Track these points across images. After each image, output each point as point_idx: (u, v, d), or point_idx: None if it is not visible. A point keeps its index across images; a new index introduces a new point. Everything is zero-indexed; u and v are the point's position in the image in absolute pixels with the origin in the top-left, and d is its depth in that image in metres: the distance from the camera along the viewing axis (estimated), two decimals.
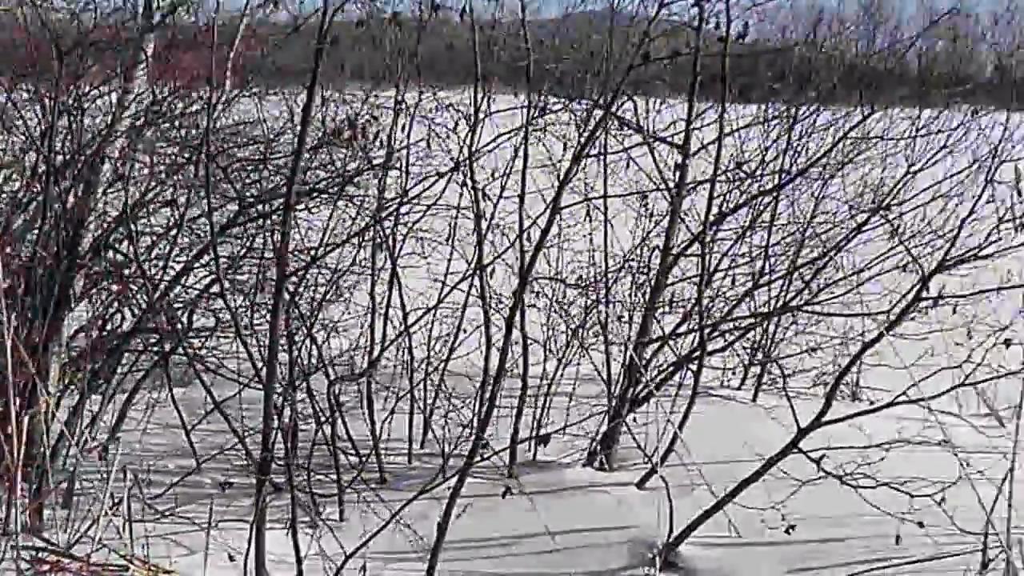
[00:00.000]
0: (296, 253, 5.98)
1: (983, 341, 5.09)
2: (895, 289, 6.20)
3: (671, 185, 6.36)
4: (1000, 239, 5.16)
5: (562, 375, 6.94)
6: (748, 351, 8.11)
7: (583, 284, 6.79)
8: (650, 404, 6.50)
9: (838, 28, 8.12)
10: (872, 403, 6.39)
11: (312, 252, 5.94)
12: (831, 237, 6.95)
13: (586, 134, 5.56)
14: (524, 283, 5.17)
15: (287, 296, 5.60)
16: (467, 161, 6.14)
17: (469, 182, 6.39)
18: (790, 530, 5.19)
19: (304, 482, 5.71)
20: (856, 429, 5.43)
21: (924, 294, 5.27)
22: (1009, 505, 4.58)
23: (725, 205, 6.58)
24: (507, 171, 6.55)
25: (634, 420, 6.55)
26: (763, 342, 8.08)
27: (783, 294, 7.27)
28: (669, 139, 6.38)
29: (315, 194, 6.24)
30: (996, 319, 6.07)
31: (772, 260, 7.08)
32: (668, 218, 6.41)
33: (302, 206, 6.20)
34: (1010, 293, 5.77)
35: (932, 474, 5.09)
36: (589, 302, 6.77)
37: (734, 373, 8.39)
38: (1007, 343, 5.08)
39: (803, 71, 6.90)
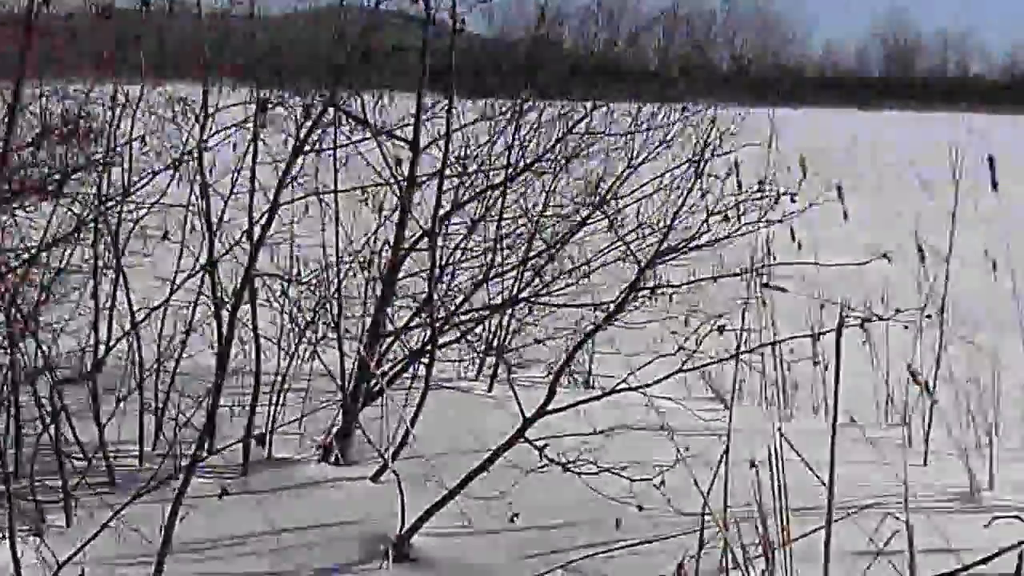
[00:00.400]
0: (10, 252, 5.80)
1: (697, 328, 5.27)
2: (625, 280, 6.38)
3: (400, 180, 6.40)
4: (710, 230, 5.38)
5: (294, 372, 6.91)
6: (483, 343, 8.21)
7: (309, 280, 6.78)
8: (385, 398, 6.53)
9: (575, 22, 8.25)
10: (603, 390, 6.55)
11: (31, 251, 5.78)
12: (560, 231, 7.10)
13: (308, 130, 5.54)
14: (247, 280, 5.13)
15: (8, 297, 5.43)
16: (192, 156, 6.05)
17: (197, 178, 6.31)
18: (514, 518, 5.30)
19: (25, 489, 5.55)
20: (582, 417, 5.58)
21: (641, 285, 5.43)
22: (725, 486, 4.78)
23: (455, 200, 6.65)
24: (238, 168, 6.49)
25: (370, 415, 6.57)
26: (498, 333, 8.19)
27: (516, 286, 7.37)
28: (398, 133, 6.41)
29: (31, 191, 6.07)
30: (727, 308, 6.33)
31: (503, 253, 7.17)
32: (398, 213, 6.43)
33: (16, 204, 6.02)
34: (726, 281, 6.02)
35: (652, 458, 5.26)
36: (320, 298, 6.75)
37: (473, 364, 8.50)
38: (721, 329, 5.28)
39: (530, 65, 7.00)
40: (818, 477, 4.52)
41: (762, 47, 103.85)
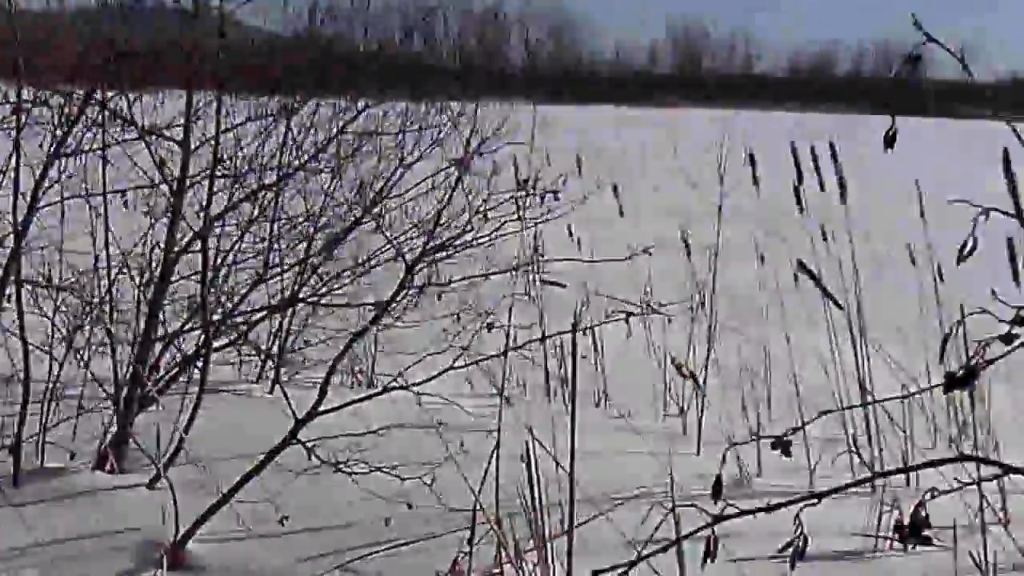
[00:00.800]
0: None
1: (466, 326, 5.32)
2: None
3: (171, 181, 6.29)
4: (474, 229, 5.44)
5: (66, 380, 6.74)
6: (263, 345, 8.14)
7: (75, 284, 6.62)
8: (160, 404, 6.42)
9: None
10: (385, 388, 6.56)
11: None
12: (339, 231, 7.07)
13: (66, 130, 5.42)
14: (4, 286, 5.00)
15: None
16: None
17: None
18: (283, 521, 5.28)
19: None
20: (359, 417, 5.58)
21: (410, 284, 5.46)
22: (496, 481, 4.82)
23: (229, 201, 6.57)
24: (3, 169, 6.31)
25: (148, 421, 6.45)
26: (279, 335, 8.13)
27: (294, 287, 7.32)
28: (167, 133, 6.30)
29: None
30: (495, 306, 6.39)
31: (281, 254, 7.12)
32: (170, 215, 6.33)
33: None
34: (502, 280, 6.09)
35: (425, 456, 5.28)
36: (85, 303, 6.60)
37: (254, 367, 8.41)
38: (490, 327, 5.33)
39: (298, 65, 6.96)
40: (562, 468, 4.58)
41: (556, 46, 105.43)
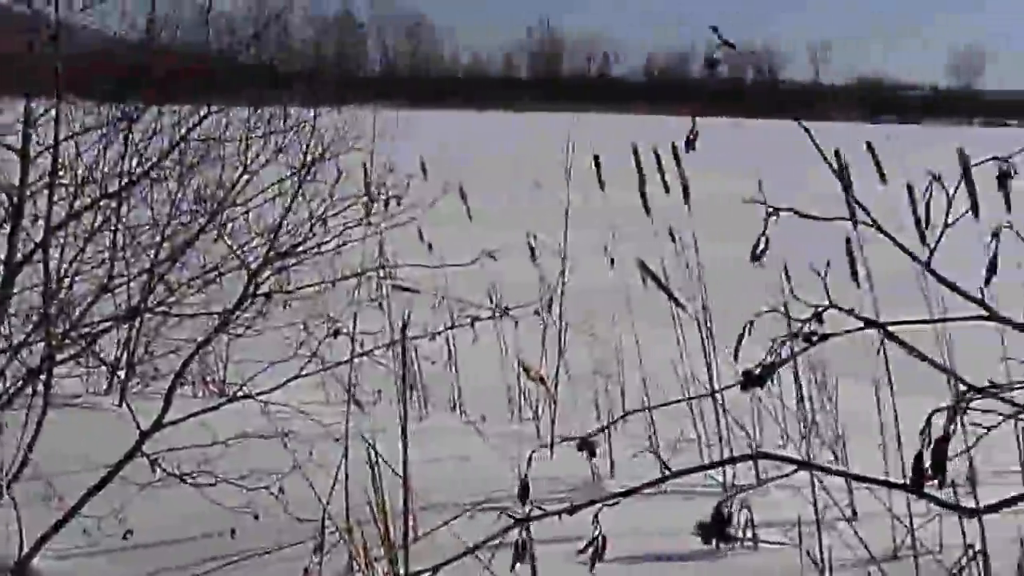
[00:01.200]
0: None
1: (314, 332, 5.29)
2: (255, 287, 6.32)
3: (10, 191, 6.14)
4: (315, 235, 5.41)
5: None
6: (112, 356, 8.00)
7: None
8: (4, 420, 6.27)
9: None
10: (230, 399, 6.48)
11: None
12: (185, 239, 6.97)
13: None
14: None
15: None
16: None
17: None
18: (127, 535, 5.20)
19: None
20: (206, 428, 5.50)
21: (253, 292, 5.41)
22: (346, 489, 4.80)
23: (71, 209, 6.43)
24: None
25: None
26: (129, 345, 7.99)
27: (141, 297, 7.20)
28: (5, 142, 6.16)
29: None
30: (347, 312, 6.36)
31: (126, 263, 6.99)
32: (9, 225, 6.18)
33: None
34: (349, 286, 6.06)
35: (274, 466, 5.23)
36: None
37: (103, 378, 8.26)
38: (336, 333, 5.31)
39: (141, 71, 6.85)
40: (395, 472, 4.58)
41: (412, 51, 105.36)
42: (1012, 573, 4.66)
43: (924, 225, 2.75)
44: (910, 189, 5.09)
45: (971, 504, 4.12)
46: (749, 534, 5.41)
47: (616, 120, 41.66)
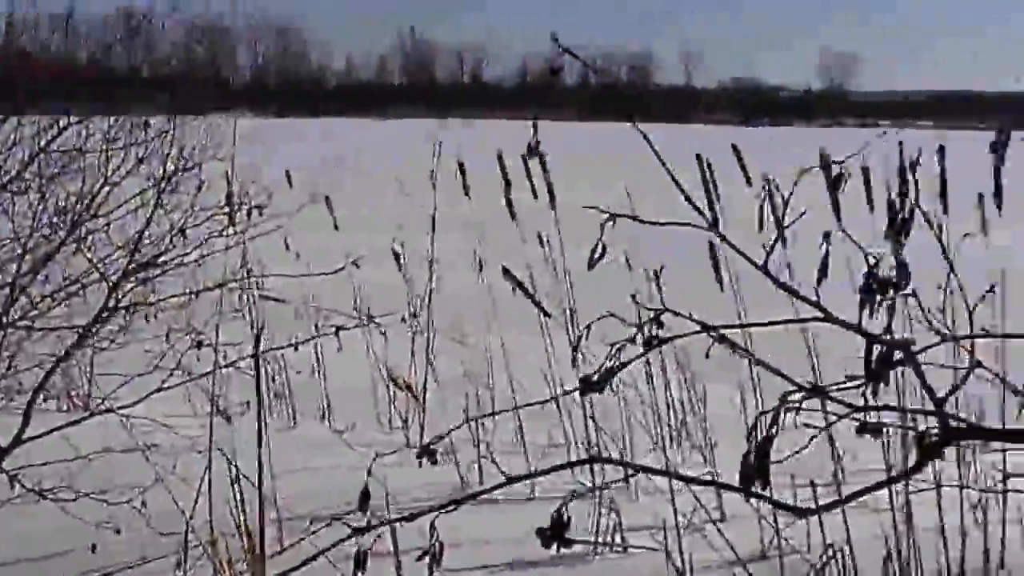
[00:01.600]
0: None
1: (177, 345, 5.23)
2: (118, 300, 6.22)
3: None
4: (175, 246, 5.35)
5: None
6: None
7: None
8: None
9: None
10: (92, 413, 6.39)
11: None
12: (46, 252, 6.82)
13: None
14: None
15: None
16: None
17: None
18: None
19: None
20: (68, 443, 5.41)
21: (114, 304, 5.34)
22: (210, 502, 4.75)
23: None
24: None
25: None
26: None
27: (5, 309, 7.04)
28: None
29: None
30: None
31: None
32: None
33: None
34: (213, 298, 6.00)
35: (136, 480, 5.16)
36: None
37: None
38: (199, 345, 5.26)
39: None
40: (251, 483, 4.54)
41: (284, 58, 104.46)
42: (878, 569, 4.75)
43: (759, 228, 2.80)
44: (770, 194, 5.16)
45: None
46: (618, 538, 5.45)
47: (487, 125, 41.71)
